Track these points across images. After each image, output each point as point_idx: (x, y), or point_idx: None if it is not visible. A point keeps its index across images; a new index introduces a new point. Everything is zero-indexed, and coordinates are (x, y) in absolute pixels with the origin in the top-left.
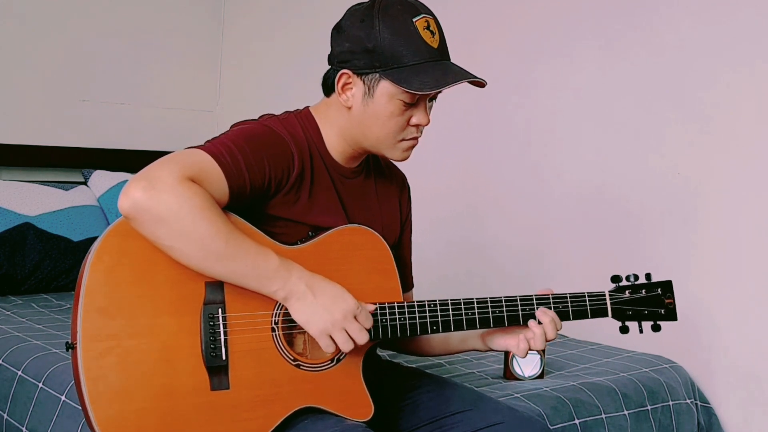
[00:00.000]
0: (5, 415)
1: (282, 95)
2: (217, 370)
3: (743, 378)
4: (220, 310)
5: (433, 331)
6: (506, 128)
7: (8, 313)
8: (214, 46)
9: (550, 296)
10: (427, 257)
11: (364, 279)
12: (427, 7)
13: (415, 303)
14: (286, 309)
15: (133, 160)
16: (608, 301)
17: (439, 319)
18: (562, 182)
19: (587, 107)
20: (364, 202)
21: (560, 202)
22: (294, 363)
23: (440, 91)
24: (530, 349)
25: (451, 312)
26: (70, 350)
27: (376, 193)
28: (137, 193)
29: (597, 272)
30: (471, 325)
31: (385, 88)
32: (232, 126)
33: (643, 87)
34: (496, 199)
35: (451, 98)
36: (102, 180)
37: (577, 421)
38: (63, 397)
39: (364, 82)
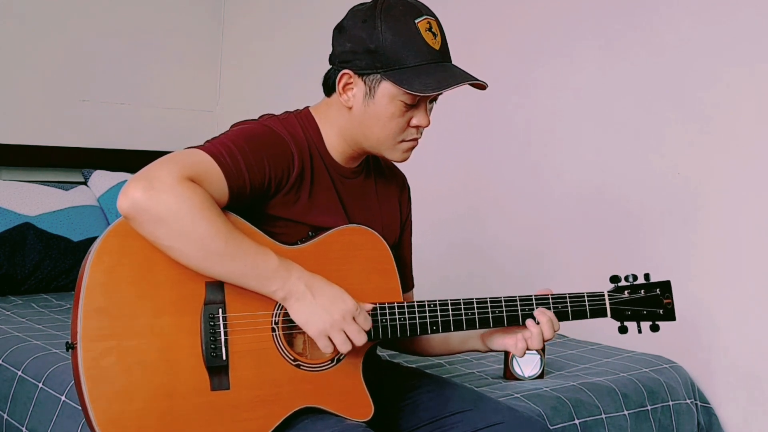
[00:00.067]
0: (5, 415)
1: (282, 95)
2: (218, 370)
3: (743, 378)
4: (220, 310)
5: (432, 331)
6: (506, 129)
7: (8, 313)
8: (214, 46)
9: (550, 296)
10: (427, 258)
11: (364, 279)
12: (429, 9)
13: (415, 303)
14: (286, 309)
15: (133, 160)
16: (607, 302)
17: (439, 319)
18: (562, 182)
19: (587, 107)
20: (364, 203)
21: (560, 202)
22: (294, 363)
23: (441, 93)
24: (528, 349)
25: (450, 312)
26: (70, 350)
27: (376, 193)
28: (136, 193)
29: (597, 272)
30: (471, 325)
31: (386, 88)
32: (232, 126)
33: (643, 87)
34: (497, 200)
35: (452, 99)
36: (102, 180)
37: (577, 421)
38: (63, 397)
39: (365, 83)
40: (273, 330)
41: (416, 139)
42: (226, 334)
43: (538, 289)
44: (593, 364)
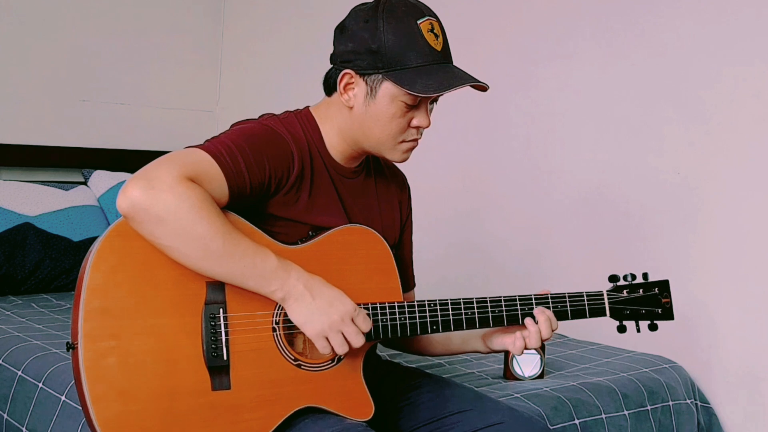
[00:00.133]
0: (5, 415)
1: (282, 95)
2: (219, 370)
3: (743, 378)
4: (221, 310)
5: (432, 331)
6: (506, 128)
7: (8, 313)
8: (214, 46)
9: (549, 296)
10: (428, 258)
11: (365, 279)
12: (431, 10)
13: (415, 303)
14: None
15: (133, 160)
16: (606, 301)
17: (439, 318)
18: (562, 182)
19: (587, 107)
20: (364, 202)
21: (560, 202)
22: (295, 363)
23: (442, 94)
24: (526, 348)
25: (450, 312)
26: (70, 350)
27: (376, 193)
28: (136, 193)
29: (597, 272)
30: (471, 324)
31: (387, 89)
32: (232, 125)
33: (643, 87)
34: (497, 200)
35: (452, 99)
36: (102, 180)
37: (577, 421)
38: (63, 397)
39: (366, 83)
40: (274, 330)
41: (416, 140)
42: (227, 334)
43: (539, 290)
44: (593, 364)
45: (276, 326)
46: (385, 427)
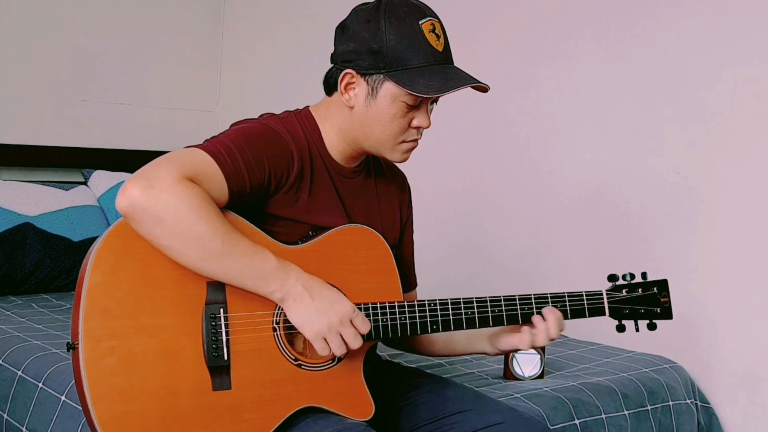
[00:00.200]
0: (5, 415)
1: (282, 95)
2: (219, 370)
3: (743, 378)
4: (221, 310)
5: (432, 331)
6: (506, 128)
7: (8, 313)
8: (214, 46)
9: (549, 295)
10: (428, 258)
11: (365, 278)
12: (432, 10)
13: (415, 303)
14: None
15: (133, 160)
16: (605, 301)
17: (439, 318)
18: (563, 182)
19: (587, 107)
20: (363, 202)
21: (560, 202)
22: (295, 363)
23: (443, 95)
24: (533, 346)
25: (450, 311)
26: (71, 351)
27: (376, 193)
28: (135, 192)
29: (597, 272)
30: (470, 324)
31: (388, 89)
32: (231, 125)
33: (643, 87)
34: (497, 200)
35: (452, 99)
36: (102, 180)
37: (577, 421)
38: (63, 397)
39: (367, 83)
40: (274, 330)
41: (416, 140)
42: (227, 333)
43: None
44: (593, 364)
45: (276, 326)
46: (385, 427)
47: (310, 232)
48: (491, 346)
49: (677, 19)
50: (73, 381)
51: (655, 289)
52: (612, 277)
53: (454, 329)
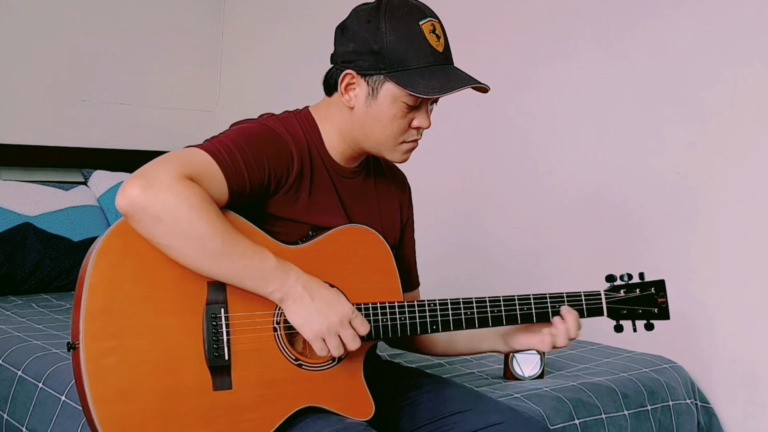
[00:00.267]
0: (5, 415)
1: (282, 95)
2: (220, 370)
3: (743, 378)
4: (222, 310)
5: (432, 331)
6: (506, 128)
7: (8, 313)
8: (214, 46)
9: (547, 295)
10: (428, 258)
11: (365, 279)
12: (432, 11)
13: (415, 303)
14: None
15: (133, 160)
16: (604, 301)
17: (439, 318)
18: (562, 182)
19: (587, 107)
20: (363, 202)
21: (560, 202)
22: (296, 363)
23: (444, 95)
24: (555, 346)
25: (450, 312)
26: (71, 350)
27: (375, 193)
28: (135, 191)
29: (598, 272)
30: (470, 324)
31: (389, 90)
32: (231, 125)
33: (643, 87)
34: (497, 200)
35: (452, 100)
36: (102, 180)
37: (577, 421)
38: (63, 397)
39: (368, 84)
40: (275, 329)
41: (417, 140)
42: (228, 333)
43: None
44: (593, 364)
45: (277, 326)
46: (385, 427)
47: (310, 232)
48: (505, 344)
49: (677, 19)
50: (73, 381)
51: (652, 289)
52: (610, 278)
53: (454, 329)
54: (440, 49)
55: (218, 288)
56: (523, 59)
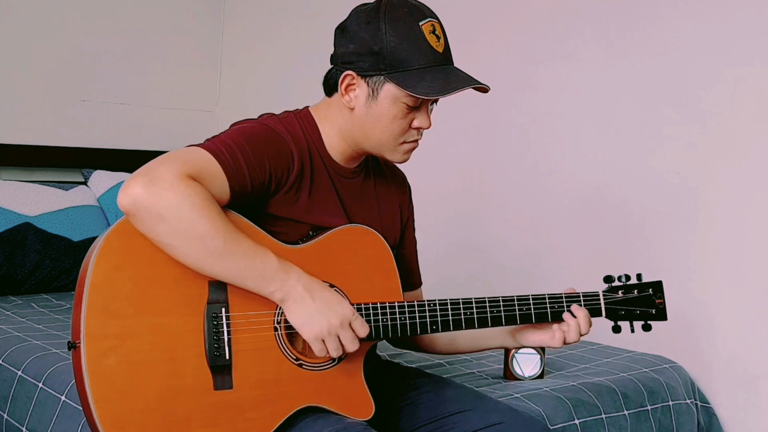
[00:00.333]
0: (5, 415)
1: (282, 95)
2: (221, 369)
3: (743, 378)
4: (223, 310)
5: (432, 331)
6: (506, 128)
7: (8, 313)
8: (214, 46)
9: (546, 296)
10: (428, 258)
11: (365, 278)
12: (432, 11)
13: (415, 303)
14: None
15: (133, 160)
16: (602, 302)
17: (439, 318)
18: (562, 182)
19: (587, 107)
20: (363, 203)
21: (560, 202)
22: (296, 362)
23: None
24: (565, 342)
25: (450, 312)
26: (71, 350)
27: (375, 193)
28: (137, 190)
29: (597, 272)
30: (470, 324)
31: (389, 90)
32: (231, 125)
33: (643, 87)
34: (497, 200)
35: (452, 100)
36: (102, 180)
37: (577, 421)
38: (63, 397)
39: (368, 84)
40: (275, 329)
41: (417, 141)
42: (229, 333)
43: (565, 289)
44: (593, 364)
45: (277, 326)
46: (385, 427)
47: (310, 232)
48: (514, 340)
49: (677, 19)
50: (73, 381)
51: (650, 290)
52: (608, 278)
53: (454, 329)
54: (440, 49)
55: (219, 288)
56: (523, 59)
